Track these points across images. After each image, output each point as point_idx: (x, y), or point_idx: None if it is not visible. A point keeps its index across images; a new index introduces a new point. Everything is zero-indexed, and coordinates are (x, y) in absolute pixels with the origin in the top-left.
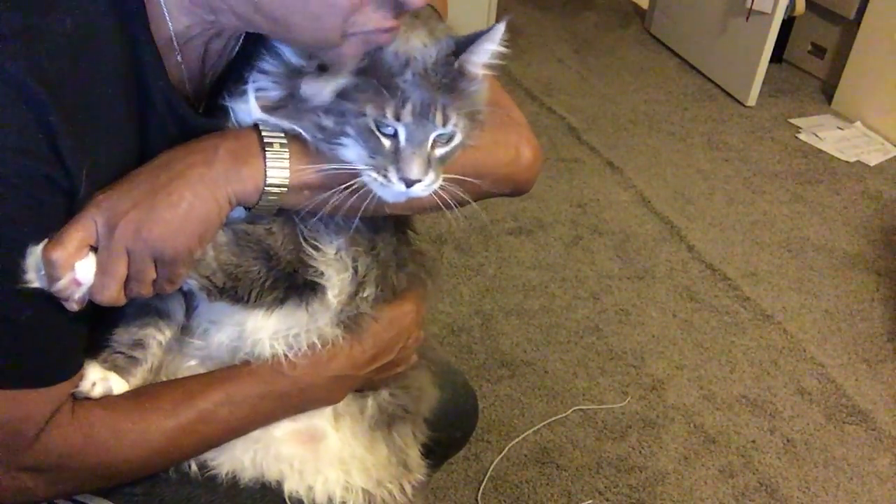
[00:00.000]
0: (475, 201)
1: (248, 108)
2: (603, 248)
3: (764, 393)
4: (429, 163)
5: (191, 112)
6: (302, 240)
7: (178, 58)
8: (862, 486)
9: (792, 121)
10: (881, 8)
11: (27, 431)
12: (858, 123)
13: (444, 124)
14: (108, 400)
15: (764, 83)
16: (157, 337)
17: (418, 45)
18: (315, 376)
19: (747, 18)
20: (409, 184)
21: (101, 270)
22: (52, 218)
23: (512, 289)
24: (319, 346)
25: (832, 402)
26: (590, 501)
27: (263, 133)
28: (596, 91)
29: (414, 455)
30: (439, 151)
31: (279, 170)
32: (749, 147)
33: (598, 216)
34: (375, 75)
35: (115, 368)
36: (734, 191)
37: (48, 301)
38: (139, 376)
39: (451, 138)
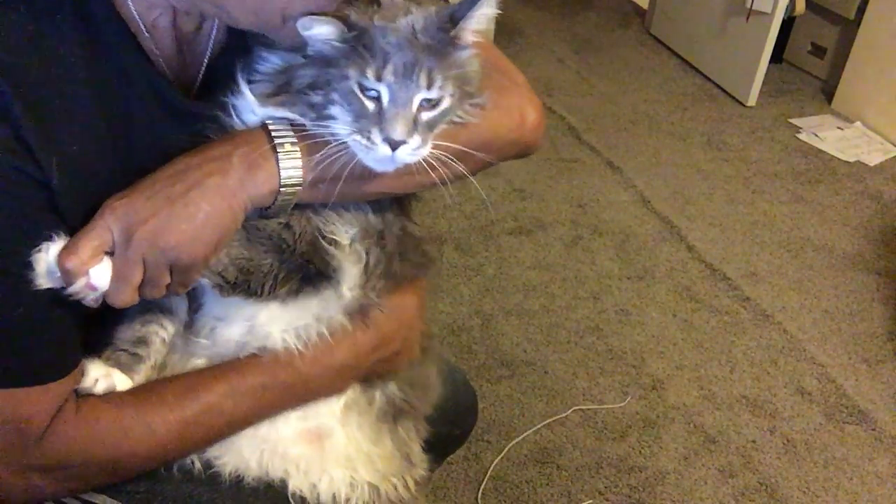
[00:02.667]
0: (483, 170)
1: (247, 104)
2: (603, 248)
3: (764, 393)
4: (414, 125)
5: (175, 93)
6: (319, 236)
7: (148, 37)
8: (862, 486)
9: (792, 121)
10: (881, 8)
11: (31, 430)
12: (858, 123)
13: (429, 87)
14: (112, 396)
15: (764, 83)
16: (161, 333)
17: (406, 10)
18: (318, 366)
19: (747, 18)
20: (394, 146)
21: (117, 277)
22: (33, 210)
23: (512, 289)
24: (327, 335)
25: (832, 402)
26: (590, 501)
27: (274, 134)
28: (596, 91)
29: (417, 450)
30: (426, 115)
31: (292, 169)
32: (749, 147)
33: (598, 216)
34: (360, 40)
35: (119, 366)
36: (734, 191)
37: (39, 299)
38: (143, 373)
39: (438, 103)
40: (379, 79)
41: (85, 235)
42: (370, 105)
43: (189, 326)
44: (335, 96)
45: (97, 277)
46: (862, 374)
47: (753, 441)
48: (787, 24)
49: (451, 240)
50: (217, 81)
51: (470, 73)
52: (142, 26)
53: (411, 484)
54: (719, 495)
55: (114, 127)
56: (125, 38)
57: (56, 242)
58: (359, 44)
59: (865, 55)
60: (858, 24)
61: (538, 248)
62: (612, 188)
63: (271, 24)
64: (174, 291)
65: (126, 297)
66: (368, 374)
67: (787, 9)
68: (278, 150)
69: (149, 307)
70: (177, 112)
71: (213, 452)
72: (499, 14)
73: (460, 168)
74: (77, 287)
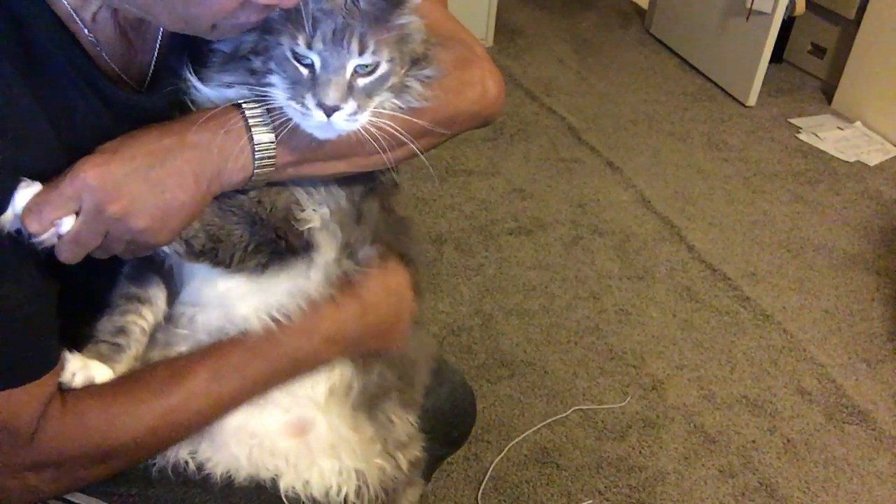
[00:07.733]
0: (441, 143)
1: (204, 97)
2: (603, 248)
3: (764, 393)
4: (349, 91)
5: (111, 87)
6: (290, 213)
7: (86, 31)
8: (862, 486)
9: (792, 121)
10: (881, 8)
11: (22, 430)
12: (858, 123)
13: (362, 52)
14: (96, 387)
15: (764, 83)
16: (140, 322)
17: None
18: (302, 337)
19: (747, 18)
20: (329, 111)
21: (75, 240)
22: None
23: (512, 289)
24: (307, 309)
25: (832, 402)
26: (590, 501)
27: (253, 129)
28: (596, 91)
29: (406, 429)
30: (362, 81)
31: (268, 160)
32: (749, 147)
33: (598, 216)
34: (296, 7)
35: (100, 357)
36: (734, 191)
37: (13, 298)
38: (124, 363)
39: (374, 69)
40: (309, 46)
41: (53, 201)
42: (304, 71)
43: (167, 317)
44: (272, 64)
45: (53, 237)
46: (862, 374)
47: (753, 441)
48: (787, 24)
49: (451, 240)
50: (172, 68)
51: (411, 36)
52: (78, 20)
53: (404, 464)
54: (719, 495)
55: (58, 125)
56: (58, 33)
57: (26, 188)
58: (292, 10)
59: (865, 55)
60: (858, 24)
61: (538, 248)
62: (612, 188)
63: (200, 31)
64: (123, 257)
65: (74, 258)
66: (360, 348)
67: (787, 9)
68: (255, 143)
69: (127, 298)
70: (117, 105)
71: (203, 455)
72: (499, 13)
73: (417, 147)
74: (34, 239)
